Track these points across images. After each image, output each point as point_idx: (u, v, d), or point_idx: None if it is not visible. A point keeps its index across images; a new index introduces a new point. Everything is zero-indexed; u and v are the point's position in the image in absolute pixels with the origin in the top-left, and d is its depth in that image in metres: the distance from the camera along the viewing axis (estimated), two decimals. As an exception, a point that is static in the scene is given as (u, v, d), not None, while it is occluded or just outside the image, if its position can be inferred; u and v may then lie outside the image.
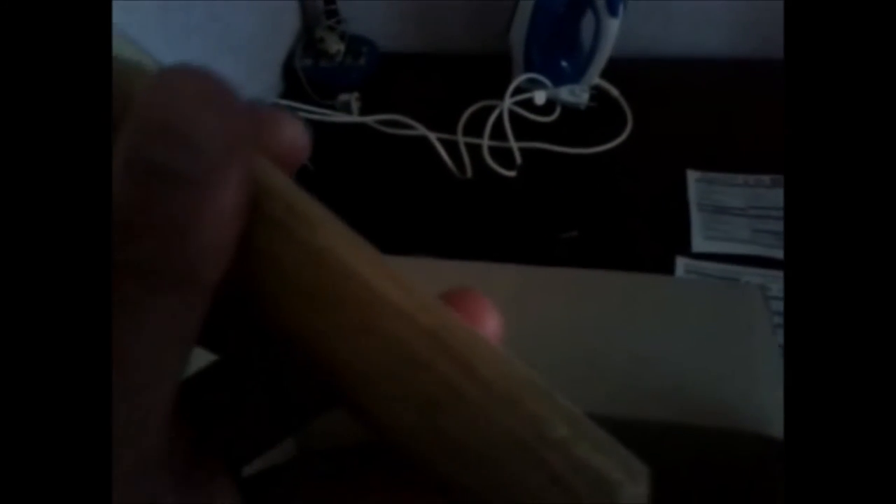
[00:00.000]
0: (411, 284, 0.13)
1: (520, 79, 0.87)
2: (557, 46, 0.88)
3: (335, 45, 0.95)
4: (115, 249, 0.11)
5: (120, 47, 0.13)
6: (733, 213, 0.70)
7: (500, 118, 0.83)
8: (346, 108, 0.88)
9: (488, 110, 0.85)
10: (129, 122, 0.11)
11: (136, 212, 0.11)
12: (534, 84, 0.87)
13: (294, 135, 0.14)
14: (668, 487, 0.45)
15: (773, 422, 0.38)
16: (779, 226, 0.68)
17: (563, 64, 0.89)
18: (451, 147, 0.81)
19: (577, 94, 0.86)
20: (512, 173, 0.78)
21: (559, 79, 0.87)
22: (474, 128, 0.83)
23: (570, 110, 0.87)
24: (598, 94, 0.88)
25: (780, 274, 0.63)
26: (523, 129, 0.83)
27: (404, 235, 0.71)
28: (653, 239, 0.69)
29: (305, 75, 0.92)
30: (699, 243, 0.67)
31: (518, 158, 0.79)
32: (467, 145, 0.81)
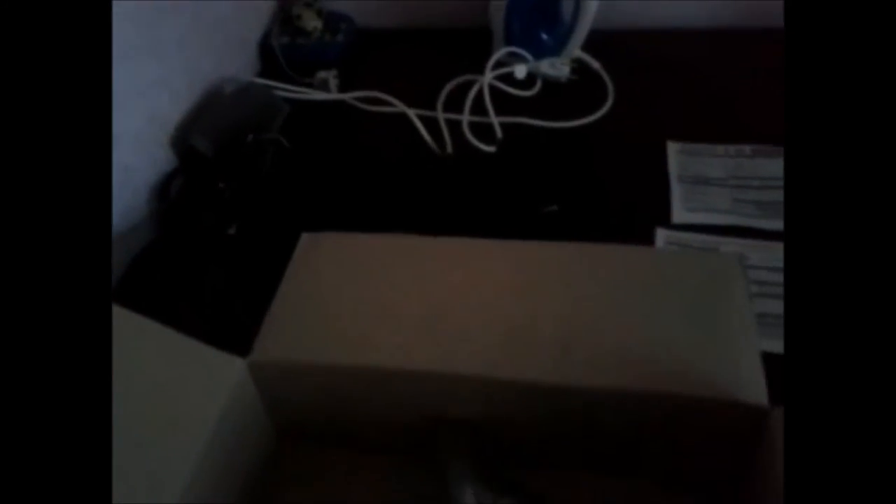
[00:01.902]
0: None
1: (500, 53, 0.86)
2: (538, 19, 0.87)
3: (312, 22, 0.93)
4: None
5: None
6: (714, 184, 0.70)
7: (480, 93, 0.82)
8: (324, 86, 0.87)
9: (468, 85, 0.84)
10: None
11: None
12: (514, 58, 0.86)
13: None
14: (649, 454, 0.46)
15: (750, 389, 0.38)
16: (759, 195, 0.68)
17: (544, 37, 0.88)
18: (431, 123, 0.81)
19: (557, 68, 0.86)
20: (492, 148, 0.77)
21: (540, 52, 0.87)
22: (454, 103, 0.83)
23: (550, 84, 0.86)
24: (578, 66, 0.87)
25: (759, 243, 0.63)
26: (504, 103, 0.82)
27: (384, 213, 0.71)
28: (633, 211, 0.69)
29: (283, 53, 0.90)
30: (680, 214, 0.67)
31: (499, 133, 0.79)
32: (447, 121, 0.81)
